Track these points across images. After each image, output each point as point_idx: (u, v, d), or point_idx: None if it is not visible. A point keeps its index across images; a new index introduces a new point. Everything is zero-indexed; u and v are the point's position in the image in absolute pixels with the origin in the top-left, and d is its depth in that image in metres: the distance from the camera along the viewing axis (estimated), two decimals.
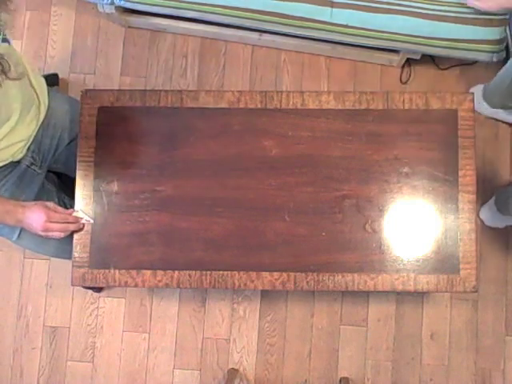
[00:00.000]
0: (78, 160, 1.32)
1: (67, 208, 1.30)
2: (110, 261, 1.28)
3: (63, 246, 1.42)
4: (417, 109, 1.31)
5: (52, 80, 1.90)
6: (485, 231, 1.85)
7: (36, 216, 1.21)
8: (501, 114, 1.84)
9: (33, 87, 1.32)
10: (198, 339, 1.86)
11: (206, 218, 1.29)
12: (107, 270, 1.28)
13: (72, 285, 1.30)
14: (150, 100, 1.34)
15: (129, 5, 1.77)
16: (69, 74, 2.00)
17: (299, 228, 1.28)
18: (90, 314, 1.89)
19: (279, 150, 1.31)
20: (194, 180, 1.30)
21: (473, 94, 1.31)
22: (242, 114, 1.32)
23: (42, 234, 1.22)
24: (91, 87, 1.98)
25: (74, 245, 1.29)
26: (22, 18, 2.03)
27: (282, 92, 1.33)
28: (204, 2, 1.69)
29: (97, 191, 1.31)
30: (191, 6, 1.71)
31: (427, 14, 1.63)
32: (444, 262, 1.26)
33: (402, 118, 1.31)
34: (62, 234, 1.25)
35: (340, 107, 1.31)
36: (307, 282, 1.26)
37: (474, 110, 1.30)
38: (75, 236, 1.29)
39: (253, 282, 1.27)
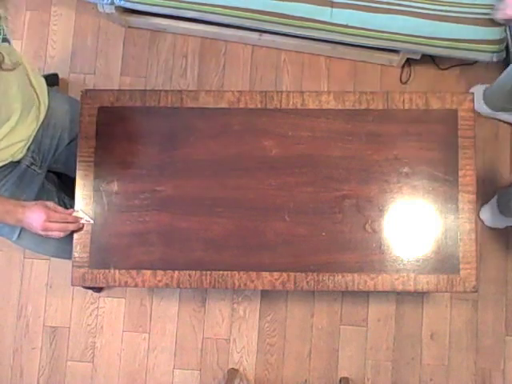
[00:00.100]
0: (78, 160, 1.32)
1: (67, 208, 1.30)
2: (110, 261, 1.28)
3: (63, 246, 1.42)
4: (417, 109, 1.31)
5: (52, 80, 1.90)
6: (485, 231, 1.85)
7: (36, 216, 1.21)
8: (501, 114, 1.84)
9: (33, 87, 1.32)
10: (198, 339, 1.86)
11: (206, 217, 1.29)
12: (107, 270, 1.28)
13: (72, 285, 1.30)
14: (150, 100, 1.34)
15: (129, 5, 1.77)
16: (69, 74, 2.00)
17: (299, 228, 1.28)
18: (90, 314, 1.89)
19: (279, 149, 1.31)
20: (194, 180, 1.30)
21: (473, 94, 1.31)
22: (241, 114, 1.32)
23: (42, 233, 1.23)
24: (91, 87, 1.98)
25: (74, 245, 1.29)
26: (21, 18, 2.03)
27: (281, 92, 1.33)
28: (204, 2, 1.69)
29: (97, 191, 1.31)
30: (191, 6, 1.71)
31: (427, 13, 1.63)
32: (444, 262, 1.26)
33: (402, 118, 1.31)
34: (62, 234, 1.25)
35: (340, 107, 1.31)
36: (307, 282, 1.26)
37: (474, 110, 1.30)
38: (75, 236, 1.29)
39: (253, 281, 1.27)
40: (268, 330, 1.85)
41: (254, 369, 1.84)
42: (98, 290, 1.87)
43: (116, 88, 1.96)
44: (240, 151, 1.31)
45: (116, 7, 1.82)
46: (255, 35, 1.89)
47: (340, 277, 1.26)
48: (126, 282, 1.28)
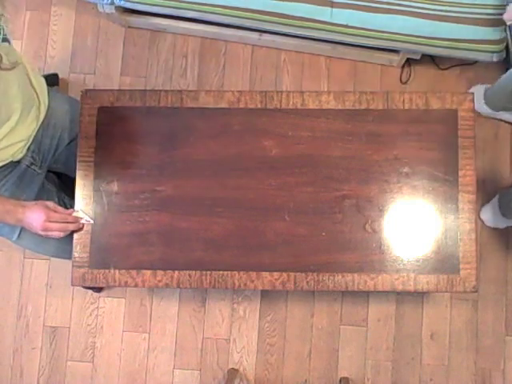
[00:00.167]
0: (78, 160, 1.32)
1: (67, 208, 1.30)
2: (110, 261, 1.28)
3: (63, 246, 1.42)
4: (417, 109, 1.31)
5: (52, 80, 1.90)
6: (485, 231, 1.85)
7: (36, 216, 1.21)
8: (502, 114, 1.84)
9: (33, 87, 1.32)
10: (198, 339, 1.86)
11: (206, 217, 1.29)
12: (107, 270, 1.28)
13: (72, 285, 1.30)
14: (150, 100, 1.34)
15: (129, 5, 1.77)
16: (69, 74, 2.00)
17: (299, 228, 1.28)
18: (90, 314, 1.89)
19: (279, 149, 1.31)
20: (194, 180, 1.30)
21: (473, 93, 1.31)
22: (242, 114, 1.32)
23: (42, 233, 1.23)
24: (91, 87, 1.98)
25: (74, 245, 1.29)
26: (22, 18, 2.03)
27: (281, 92, 1.33)
28: (204, 2, 1.69)
29: (97, 191, 1.31)
30: (191, 6, 1.71)
31: (427, 13, 1.63)
32: (444, 262, 1.26)
33: (402, 118, 1.31)
34: (62, 234, 1.25)
35: (340, 107, 1.31)
36: (307, 282, 1.26)
37: (474, 110, 1.30)
38: (75, 236, 1.29)
39: (253, 281, 1.27)
40: (268, 330, 1.85)
41: (253, 369, 1.84)
42: (98, 289, 1.87)
43: (116, 88, 1.96)
44: (240, 151, 1.31)
45: (116, 7, 1.82)
46: (255, 35, 1.89)
47: (340, 277, 1.26)
48: (126, 282, 1.28)
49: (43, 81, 1.40)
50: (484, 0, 1.64)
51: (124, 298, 1.88)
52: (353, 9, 1.65)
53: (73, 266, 1.29)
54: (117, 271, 1.28)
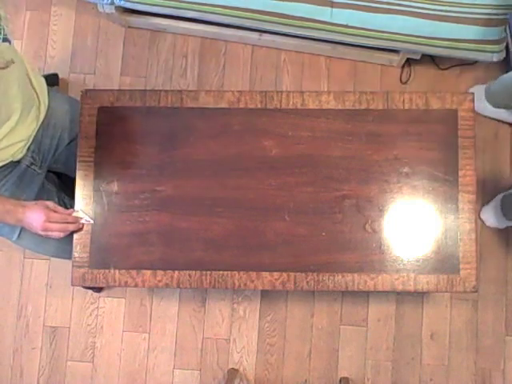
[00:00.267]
0: (78, 160, 1.32)
1: (67, 208, 1.30)
2: (110, 261, 1.28)
3: (63, 246, 1.42)
4: (417, 109, 1.31)
5: (52, 80, 1.90)
6: (485, 231, 1.84)
7: (36, 216, 1.21)
8: (502, 113, 1.84)
9: (33, 87, 1.32)
10: (198, 339, 1.86)
11: (206, 217, 1.29)
12: (107, 270, 1.28)
13: (72, 285, 1.30)
14: (150, 100, 1.34)
15: (129, 5, 1.77)
16: (69, 74, 2.00)
17: (299, 228, 1.28)
18: (90, 314, 1.89)
19: (279, 149, 1.31)
20: (194, 180, 1.30)
21: (473, 93, 1.31)
22: (242, 114, 1.32)
23: (42, 233, 1.23)
24: (91, 87, 1.98)
25: (74, 245, 1.29)
26: (22, 18, 2.03)
27: (281, 92, 1.33)
28: (204, 2, 1.69)
29: (97, 191, 1.31)
30: (191, 6, 1.71)
31: (427, 13, 1.63)
32: (444, 262, 1.26)
33: (402, 118, 1.31)
34: (62, 234, 1.25)
35: (340, 107, 1.31)
36: (307, 282, 1.26)
37: (474, 110, 1.30)
38: (75, 236, 1.29)
39: (253, 281, 1.27)
40: (268, 330, 1.85)
41: (254, 369, 1.84)
42: (98, 289, 1.87)
43: (116, 88, 1.96)
44: (240, 151, 1.31)
45: (116, 7, 1.82)
46: (255, 35, 1.89)
47: (340, 277, 1.26)
48: (126, 282, 1.28)
49: (43, 81, 1.40)
50: (484, 0, 1.63)
51: (124, 298, 1.88)
52: (353, 9, 1.65)
53: (73, 266, 1.29)
54: (117, 271, 1.28)
